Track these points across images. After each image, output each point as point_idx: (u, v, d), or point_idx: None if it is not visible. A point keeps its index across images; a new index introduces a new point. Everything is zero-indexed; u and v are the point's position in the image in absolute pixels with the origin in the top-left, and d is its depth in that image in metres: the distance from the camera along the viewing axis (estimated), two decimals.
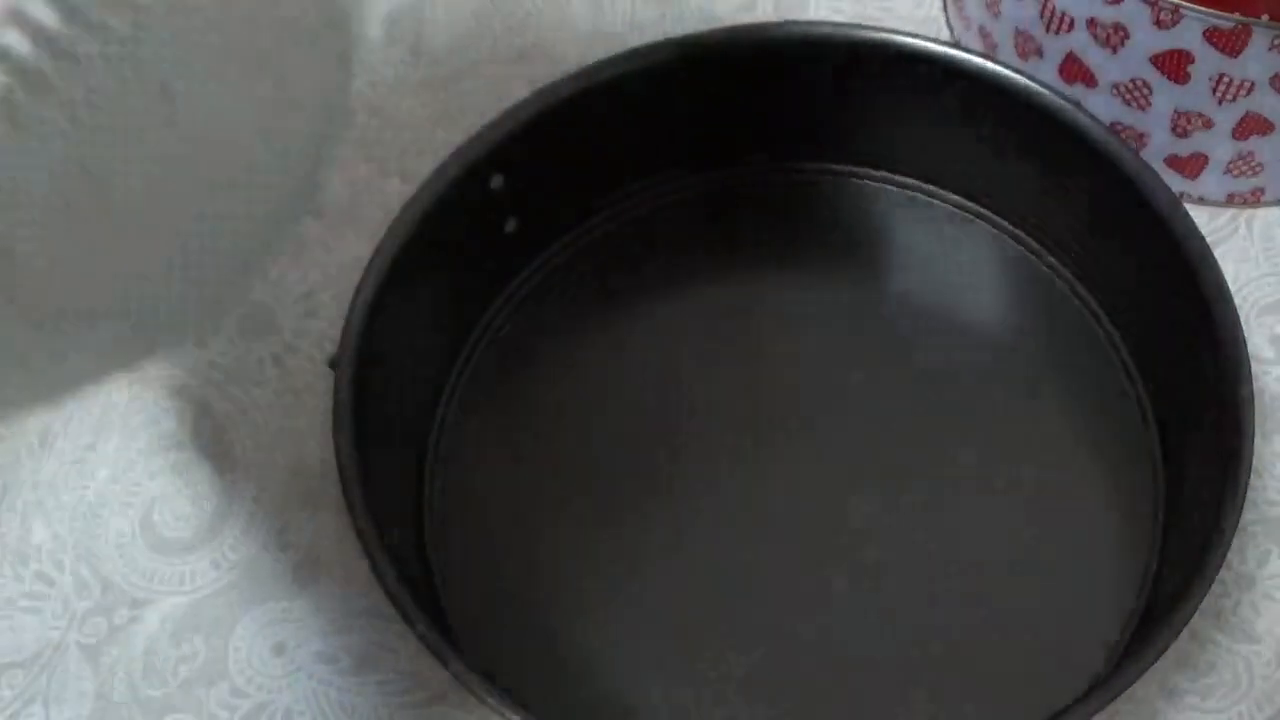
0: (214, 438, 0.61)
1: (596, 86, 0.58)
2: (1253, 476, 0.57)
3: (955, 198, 0.63)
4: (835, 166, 0.64)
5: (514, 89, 0.58)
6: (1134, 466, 0.57)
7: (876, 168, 0.64)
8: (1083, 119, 0.56)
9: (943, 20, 0.71)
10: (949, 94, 0.58)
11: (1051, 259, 0.61)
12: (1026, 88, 0.56)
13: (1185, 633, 0.54)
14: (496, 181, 0.58)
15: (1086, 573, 0.55)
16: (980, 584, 0.55)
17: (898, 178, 0.63)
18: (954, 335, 0.61)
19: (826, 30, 0.60)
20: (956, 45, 0.57)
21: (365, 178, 0.67)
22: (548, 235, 0.63)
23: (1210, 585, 0.47)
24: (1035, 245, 0.61)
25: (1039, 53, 0.63)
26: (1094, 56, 0.61)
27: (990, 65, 0.57)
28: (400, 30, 0.72)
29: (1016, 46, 0.64)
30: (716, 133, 0.63)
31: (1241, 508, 0.48)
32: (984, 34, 0.67)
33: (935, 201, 0.63)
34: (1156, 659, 0.46)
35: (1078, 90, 0.63)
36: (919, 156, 0.63)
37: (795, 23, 0.62)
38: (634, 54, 0.59)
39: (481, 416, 0.60)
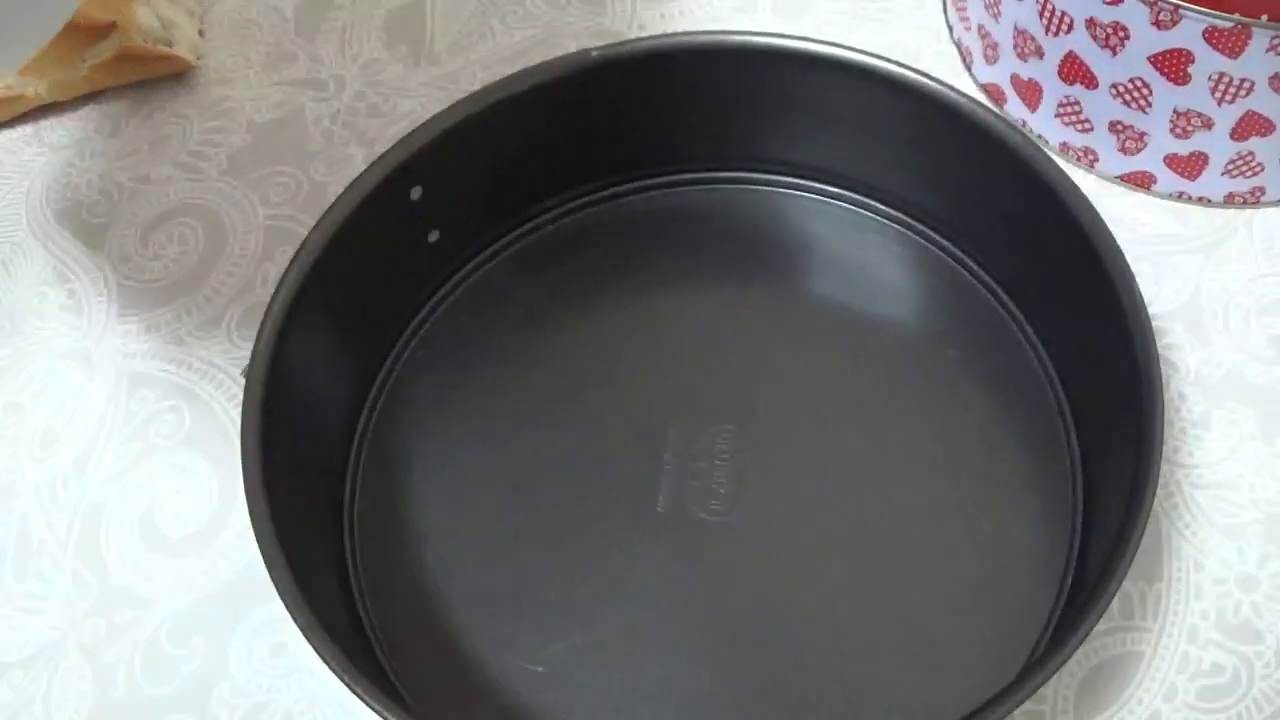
0: (215, 438, 0.61)
1: (515, 97, 0.58)
2: (1254, 477, 0.57)
3: (883, 207, 0.63)
4: (760, 176, 0.64)
5: None
6: (1054, 462, 0.57)
7: (802, 177, 0.64)
8: (1001, 127, 0.56)
9: (943, 20, 0.71)
10: (873, 104, 0.59)
11: (975, 265, 0.61)
12: (947, 97, 0.56)
13: (1184, 633, 0.54)
14: (416, 193, 0.58)
15: (1009, 566, 0.55)
16: (904, 577, 0.55)
17: (824, 187, 0.64)
18: (880, 339, 0.61)
19: (750, 40, 0.59)
20: (878, 56, 0.57)
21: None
22: (470, 247, 0.63)
23: (1127, 570, 0.46)
24: (959, 253, 0.62)
25: (1039, 53, 0.63)
26: (1094, 57, 0.61)
27: (912, 75, 0.57)
28: (400, 31, 0.72)
29: (1016, 47, 0.64)
30: (641, 143, 0.63)
31: (1154, 495, 0.48)
32: (984, 34, 0.67)
33: (862, 211, 0.63)
34: (1077, 647, 0.46)
35: (1077, 90, 0.63)
36: (846, 166, 0.63)
37: (717, 32, 0.61)
38: (553, 64, 0.59)
39: (404, 429, 0.60)
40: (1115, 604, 0.54)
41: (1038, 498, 0.56)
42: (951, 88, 0.57)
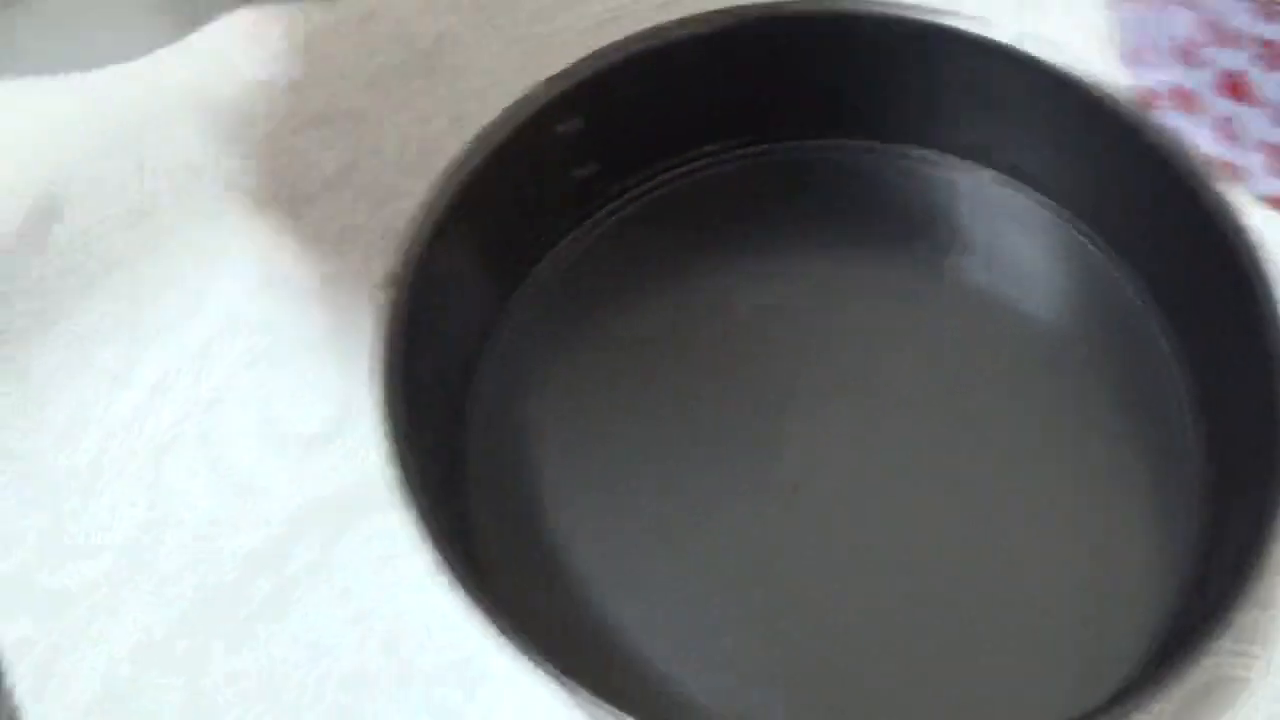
0: (344, 345, 0.61)
1: (688, 41, 0.58)
2: None
3: (1037, 196, 0.62)
4: (916, 151, 0.64)
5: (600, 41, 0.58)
6: (1178, 481, 0.56)
7: (957, 155, 0.63)
8: (1163, 136, 0.56)
9: (1103, 18, 0.70)
10: (1037, 95, 0.58)
11: (1124, 270, 0.61)
12: (1109, 99, 0.57)
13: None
14: (568, 126, 0.58)
15: (1120, 577, 0.54)
16: (1010, 578, 0.55)
17: (980, 170, 0.63)
18: (1014, 329, 0.60)
19: (914, 16, 0.59)
20: (1045, 50, 0.57)
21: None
22: (618, 186, 0.63)
23: (1248, 597, 0.46)
24: (1108, 255, 0.61)
25: (1199, 64, 0.62)
26: (1255, 74, 0.60)
27: (1077, 73, 0.57)
28: None
29: (1177, 55, 0.64)
30: (797, 103, 0.62)
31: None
32: (1146, 38, 0.66)
33: (1015, 198, 0.63)
34: (1189, 668, 0.46)
35: (1234, 106, 0.62)
36: (1004, 152, 0.62)
37: (887, 3, 0.60)
38: (717, 15, 0.59)
39: (528, 358, 0.60)
40: None
41: (1157, 512, 0.56)
42: (1116, 90, 0.56)
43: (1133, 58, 0.68)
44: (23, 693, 0.55)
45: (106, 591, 0.57)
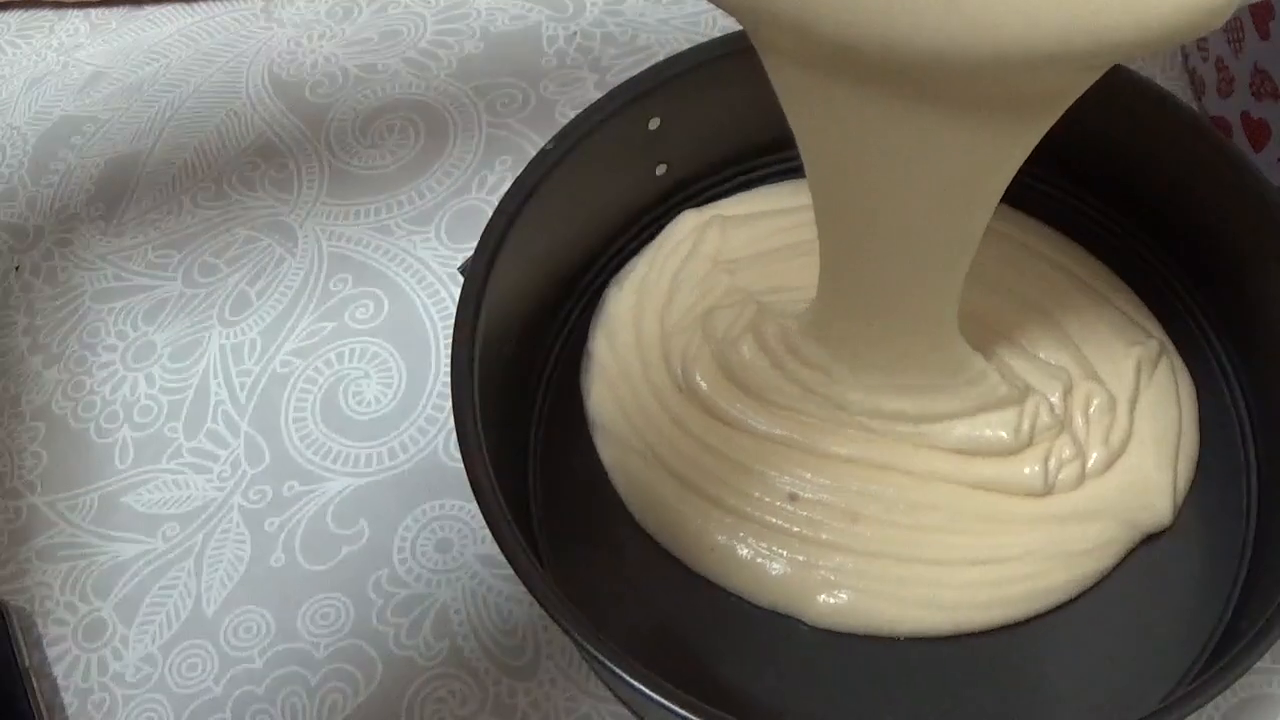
0: (411, 331, 0.62)
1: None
2: None
3: (1104, 218, 0.61)
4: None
5: None
6: (1230, 502, 0.56)
7: (1054, 180, 0.62)
8: (1246, 165, 0.54)
9: (1178, 47, 0.71)
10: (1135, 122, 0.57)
11: (1186, 283, 0.60)
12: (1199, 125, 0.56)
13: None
14: (654, 123, 0.58)
15: (1169, 592, 0.54)
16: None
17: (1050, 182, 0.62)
18: None
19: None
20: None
21: None
22: (693, 188, 0.62)
23: None
24: (1173, 269, 0.60)
25: (1275, 95, 0.62)
26: None
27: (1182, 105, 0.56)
28: None
29: (1253, 85, 0.64)
30: None
31: None
32: (1221, 67, 0.66)
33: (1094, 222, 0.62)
34: (1229, 684, 0.44)
35: None
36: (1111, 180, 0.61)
37: None
38: None
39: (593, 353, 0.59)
40: None
41: (1211, 531, 0.55)
42: (1202, 114, 0.56)
43: (1208, 88, 0.68)
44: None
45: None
